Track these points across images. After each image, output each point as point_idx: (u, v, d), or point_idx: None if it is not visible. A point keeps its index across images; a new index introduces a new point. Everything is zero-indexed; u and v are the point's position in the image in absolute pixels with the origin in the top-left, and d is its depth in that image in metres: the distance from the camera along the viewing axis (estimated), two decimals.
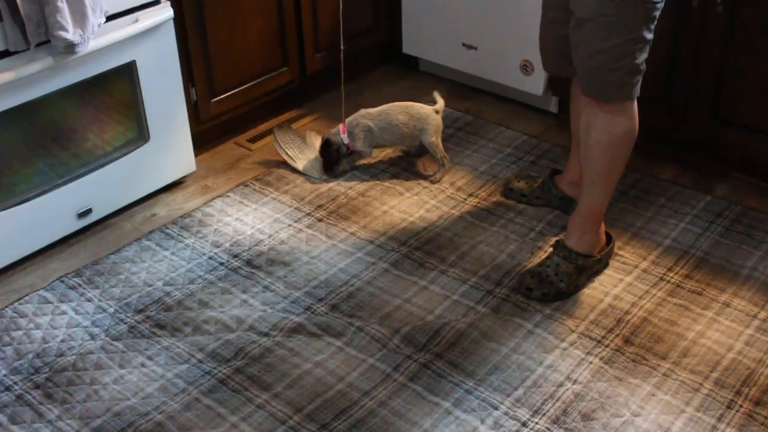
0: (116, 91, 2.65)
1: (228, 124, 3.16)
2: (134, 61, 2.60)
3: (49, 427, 2.03)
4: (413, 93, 3.36)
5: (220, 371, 2.18)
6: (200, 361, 2.21)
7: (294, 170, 2.98)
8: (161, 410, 2.07)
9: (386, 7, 3.51)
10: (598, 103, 2.24)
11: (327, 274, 2.50)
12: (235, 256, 2.58)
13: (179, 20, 2.74)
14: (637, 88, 2.22)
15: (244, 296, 2.42)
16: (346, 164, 2.97)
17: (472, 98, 3.43)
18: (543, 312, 2.35)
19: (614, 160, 2.31)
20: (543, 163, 3.00)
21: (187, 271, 2.52)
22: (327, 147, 2.91)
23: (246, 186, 2.91)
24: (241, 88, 3.07)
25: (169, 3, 2.64)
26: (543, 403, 2.08)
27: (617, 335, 2.27)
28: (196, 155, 2.95)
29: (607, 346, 2.24)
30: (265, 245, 2.62)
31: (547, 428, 2.01)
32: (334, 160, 2.93)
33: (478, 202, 2.81)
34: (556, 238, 2.56)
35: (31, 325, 2.32)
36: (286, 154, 3.00)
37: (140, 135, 2.74)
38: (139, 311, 2.37)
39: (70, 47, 2.33)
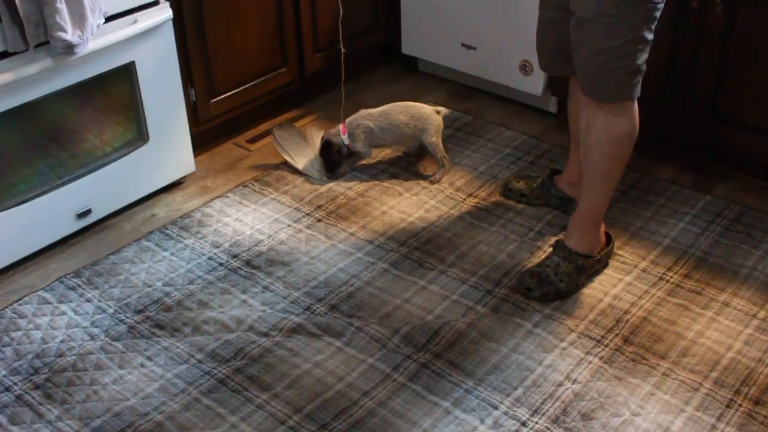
0: (115, 91, 2.65)
1: (227, 125, 3.16)
2: (133, 61, 2.60)
3: (48, 427, 2.03)
4: (412, 93, 3.36)
5: (219, 371, 2.18)
6: (200, 362, 2.21)
7: (293, 170, 2.98)
8: (161, 410, 2.07)
9: (385, 7, 3.51)
10: (599, 103, 2.24)
11: (326, 275, 2.50)
12: (235, 256, 2.58)
13: (178, 21, 2.74)
14: (638, 88, 2.22)
15: (243, 296, 2.42)
16: (346, 166, 2.97)
17: (472, 98, 3.43)
18: (542, 312, 2.35)
19: (614, 161, 2.31)
20: (542, 163, 3.00)
21: (187, 272, 2.52)
22: (328, 148, 2.91)
23: (245, 186, 2.91)
24: (241, 88, 3.07)
25: (168, 4, 2.64)
26: (542, 403, 2.08)
27: (617, 335, 2.27)
28: (195, 156, 2.95)
29: (606, 345, 2.24)
30: (264, 245, 2.62)
31: (547, 428, 2.01)
32: (336, 162, 2.93)
33: (478, 203, 2.81)
34: (556, 238, 2.56)
35: (31, 326, 2.32)
36: (286, 153, 3.00)
37: (139, 136, 2.74)
38: (139, 312, 2.37)
39: (69, 48, 2.33)
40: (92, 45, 2.41)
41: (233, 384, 2.14)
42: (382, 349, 2.23)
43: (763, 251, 2.56)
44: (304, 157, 3.00)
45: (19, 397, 2.11)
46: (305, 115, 3.34)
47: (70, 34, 2.30)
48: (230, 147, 3.16)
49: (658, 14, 2.14)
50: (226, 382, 2.15)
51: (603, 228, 2.48)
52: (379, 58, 3.69)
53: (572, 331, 2.28)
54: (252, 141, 3.19)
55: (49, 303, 2.40)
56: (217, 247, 2.62)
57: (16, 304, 2.39)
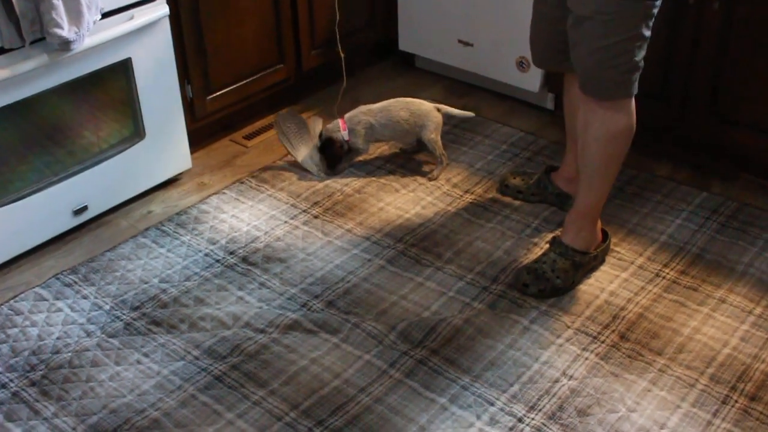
0: (112, 88, 2.65)
1: (224, 121, 3.16)
2: (130, 58, 2.60)
3: (45, 424, 2.03)
4: (410, 90, 3.35)
5: (216, 368, 2.17)
6: (196, 358, 2.21)
7: (290, 167, 2.98)
8: (157, 407, 2.07)
9: (382, 3, 3.51)
10: (597, 100, 2.24)
11: (323, 271, 2.50)
12: (231, 253, 2.58)
13: (175, 17, 2.73)
14: (636, 85, 2.22)
15: (240, 293, 2.42)
16: (344, 162, 2.96)
17: (469, 95, 3.43)
18: (539, 308, 2.35)
19: (612, 158, 2.32)
20: (539, 159, 3.00)
21: (183, 268, 2.52)
22: (330, 146, 2.90)
23: (242, 183, 2.90)
24: (237, 85, 3.07)
25: (164, 0, 2.64)
26: (539, 399, 2.08)
27: (613, 331, 2.27)
28: (191, 152, 2.94)
29: (603, 342, 2.24)
30: (261, 242, 2.62)
31: (543, 424, 2.02)
32: (338, 158, 2.92)
33: (475, 199, 2.81)
34: (553, 235, 2.56)
35: (27, 323, 2.32)
36: (287, 141, 2.99)
37: (136, 132, 2.73)
38: (135, 308, 2.37)
39: (66, 44, 2.32)
40: (88, 41, 2.40)
41: (230, 380, 2.14)
42: (379, 345, 2.23)
43: (760, 248, 2.56)
44: (304, 147, 2.99)
45: (15, 394, 2.11)
46: (302, 111, 3.34)
47: (66, 31, 2.29)
48: (227, 143, 3.16)
49: (656, 11, 2.14)
50: (222, 378, 2.15)
51: (599, 224, 2.48)
52: (376, 55, 3.69)
53: (569, 327, 2.29)
54: (249, 137, 3.18)
55: (46, 300, 2.40)
56: (214, 243, 2.62)
57: (12, 301, 2.39)
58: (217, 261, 2.55)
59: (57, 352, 2.22)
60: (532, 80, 3.20)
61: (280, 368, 2.17)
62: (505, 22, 3.16)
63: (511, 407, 2.06)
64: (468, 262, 2.52)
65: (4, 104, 2.34)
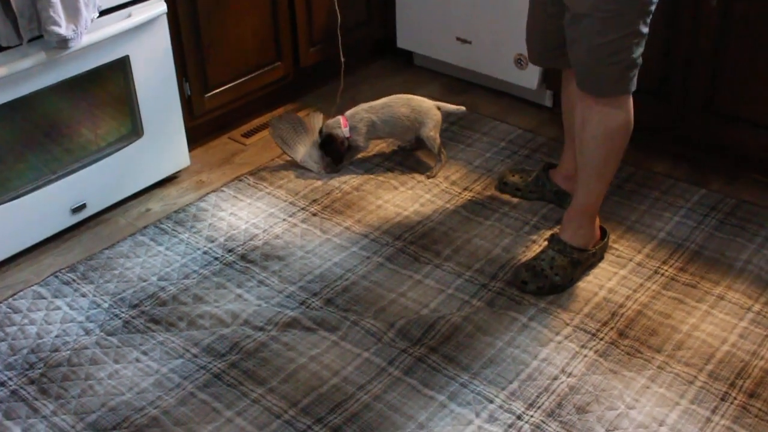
0: (110, 86, 2.65)
1: (222, 119, 3.16)
2: (127, 56, 2.60)
3: (44, 422, 2.03)
4: (408, 87, 3.35)
5: (215, 366, 2.17)
6: (195, 356, 2.20)
7: (288, 165, 2.98)
8: (156, 405, 2.07)
9: (380, 1, 3.51)
10: (595, 97, 2.24)
11: (322, 269, 2.50)
12: (230, 250, 2.58)
13: (172, 15, 2.73)
14: (634, 81, 2.22)
15: (238, 291, 2.42)
16: (345, 160, 2.96)
17: (467, 92, 3.43)
18: (538, 305, 2.35)
19: (610, 155, 2.32)
20: (537, 156, 3.00)
21: (182, 266, 2.52)
22: (331, 142, 2.89)
23: (240, 181, 2.90)
24: (235, 82, 3.06)
25: None
26: (538, 397, 2.08)
27: (612, 328, 2.27)
28: (190, 150, 2.94)
29: (601, 339, 2.24)
30: (259, 240, 2.62)
31: (542, 421, 2.02)
32: (341, 154, 2.91)
33: (473, 197, 2.81)
34: (551, 232, 2.56)
35: (26, 321, 2.32)
36: (284, 144, 2.98)
37: (134, 130, 2.73)
38: (134, 306, 2.37)
39: (63, 42, 2.32)
40: (86, 39, 2.40)
41: (229, 378, 2.14)
42: (378, 343, 2.23)
43: (758, 244, 2.56)
44: (302, 147, 2.99)
45: (14, 392, 2.11)
46: (300, 109, 3.34)
47: (63, 29, 2.29)
48: (225, 141, 3.16)
49: (653, 8, 2.14)
50: (221, 376, 2.15)
51: (598, 222, 2.48)
52: (374, 53, 3.69)
53: (567, 324, 2.29)
54: (247, 135, 3.18)
55: (44, 298, 2.39)
56: (212, 241, 2.62)
57: (10, 299, 2.39)
58: (216, 259, 2.54)
59: (56, 351, 2.22)
60: (530, 77, 3.20)
61: (278, 366, 2.17)
62: (503, 19, 3.16)
63: (510, 404, 2.06)
64: (467, 260, 2.52)
65: (2, 102, 2.33)
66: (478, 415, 2.03)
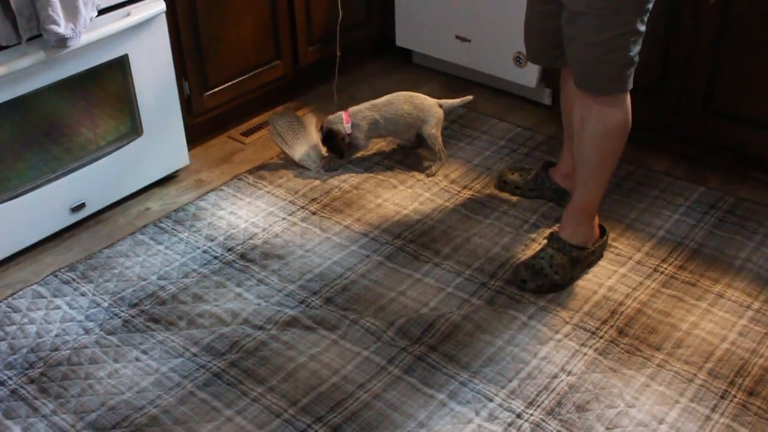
0: (109, 85, 2.65)
1: (221, 118, 3.16)
2: (126, 55, 2.59)
3: (43, 421, 2.03)
4: (407, 86, 3.35)
5: (214, 365, 2.17)
6: (195, 355, 2.21)
7: (288, 163, 2.98)
8: (156, 404, 2.07)
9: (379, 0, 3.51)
10: (593, 96, 2.24)
11: (321, 268, 2.50)
12: (229, 249, 2.58)
13: (171, 14, 2.73)
14: (631, 80, 2.22)
15: (238, 290, 2.42)
16: (344, 158, 2.96)
17: (466, 91, 3.41)
18: (537, 304, 2.35)
19: (608, 153, 2.32)
20: (537, 155, 3.00)
21: (182, 265, 2.52)
22: (332, 137, 2.89)
23: (240, 179, 2.90)
24: (234, 81, 3.06)
25: None
26: (537, 395, 2.08)
27: (611, 326, 2.28)
28: (189, 149, 2.94)
29: (601, 337, 2.24)
30: (259, 239, 2.62)
31: (542, 420, 2.02)
32: (343, 149, 2.91)
33: (472, 195, 2.81)
34: (551, 230, 2.56)
35: (25, 320, 2.32)
36: (283, 142, 2.98)
37: (133, 129, 2.73)
38: (134, 305, 2.37)
39: (62, 41, 2.32)
40: (85, 38, 2.40)
41: (228, 377, 2.14)
42: (377, 341, 2.23)
43: (757, 242, 2.56)
44: (301, 146, 2.99)
45: (14, 392, 2.11)
46: (299, 108, 3.34)
47: (62, 27, 2.29)
48: (224, 140, 3.16)
49: (650, 6, 2.14)
50: (221, 375, 2.15)
51: (597, 220, 2.48)
52: (374, 51, 3.69)
53: (567, 323, 2.29)
54: (246, 134, 3.18)
55: (44, 297, 2.39)
56: (212, 240, 2.62)
57: (10, 299, 2.39)
58: (215, 258, 2.54)
59: (55, 350, 2.22)
60: (529, 76, 3.19)
61: (278, 365, 2.17)
62: (503, 17, 3.16)
63: (510, 403, 2.06)
64: (466, 258, 2.53)
65: (1, 101, 2.33)
66: (477, 413, 2.04)
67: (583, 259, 2.43)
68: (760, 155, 2.81)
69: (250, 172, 2.95)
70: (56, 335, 2.27)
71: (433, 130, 2.90)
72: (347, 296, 2.39)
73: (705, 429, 1.99)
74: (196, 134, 3.07)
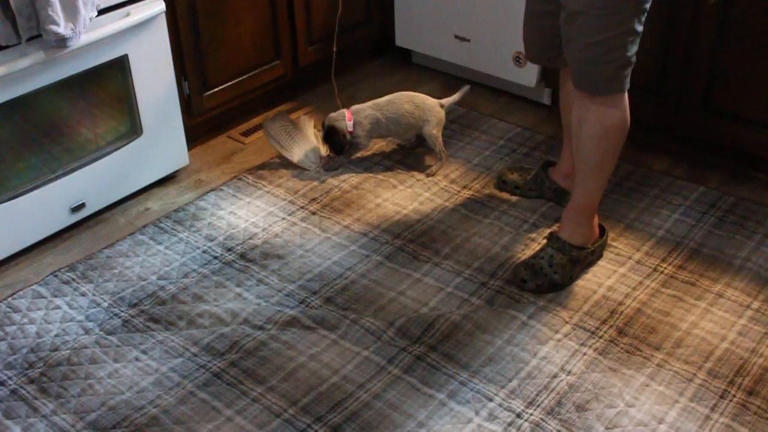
0: (108, 85, 2.65)
1: (221, 118, 3.16)
2: (126, 55, 2.60)
3: (43, 421, 2.03)
4: (406, 86, 3.34)
5: (214, 365, 2.18)
6: (195, 355, 2.21)
7: (287, 163, 2.98)
8: (156, 404, 2.07)
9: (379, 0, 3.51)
10: (591, 95, 2.24)
11: (321, 267, 2.50)
12: (229, 249, 2.58)
13: (171, 14, 2.73)
14: (628, 80, 2.23)
15: (238, 290, 2.42)
16: (343, 158, 2.96)
17: None
18: (537, 304, 2.35)
19: (607, 153, 2.32)
20: (536, 154, 3.01)
21: (181, 265, 2.52)
22: (333, 134, 2.89)
23: (239, 179, 2.90)
24: (234, 81, 3.06)
25: None
26: (537, 395, 2.08)
27: (611, 326, 2.28)
28: (189, 149, 2.94)
29: (601, 337, 2.24)
30: (258, 239, 2.62)
31: (542, 419, 2.02)
32: (342, 146, 2.91)
33: (472, 195, 2.81)
34: (550, 230, 2.56)
35: (25, 320, 2.32)
36: (279, 145, 2.99)
37: (133, 129, 2.73)
38: (133, 305, 2.37)
39: (62, 41, 2.32)
40: (85, 38, 2.40)
41: (228, 377, 2.14)
42: (377, 341, 2.24)
43: (757, 242, 2.56)
44: (298, 147, 2.99)
45: (13, 392, 2.11)
46: (298, 107, 3.34)
47: (62, 27, 2.29)
48: (224, 140, 3.16)
49: (648, 6, 2.14)
50: (221, 375, 2.15)
51: (597, 220, 2.48)
52: (373, 51, 3.69)
53: (567, 322, 2.29)
54: (246, 134, 3.18)
55: (44, 297, 2.39)
56: (212, 240, 2.62)
57: (10, 299, 2.39)
58: (215, 258, 2.54)
59: (55, 350, 2.22)
60: (528, 75, 3.20)
61: (278, 365, 2.17)
62: (502, 17, 3.16)
63: (510, 403, 2.06)
64: (466, 258, 2.53)
65: (1, 102, 2.33)
66: (477, 413, 2.04)
67: (583, 258, 2.43)
68: (760, 155, 2.81)
69: (250, 172, 2.95)
70: (56, 335, 2.27)
71: (434, 130, 2.90)
72: (347, 296, 2.39)
73: (704, 428, 1.99)
74: (196, 134, 3.07)
